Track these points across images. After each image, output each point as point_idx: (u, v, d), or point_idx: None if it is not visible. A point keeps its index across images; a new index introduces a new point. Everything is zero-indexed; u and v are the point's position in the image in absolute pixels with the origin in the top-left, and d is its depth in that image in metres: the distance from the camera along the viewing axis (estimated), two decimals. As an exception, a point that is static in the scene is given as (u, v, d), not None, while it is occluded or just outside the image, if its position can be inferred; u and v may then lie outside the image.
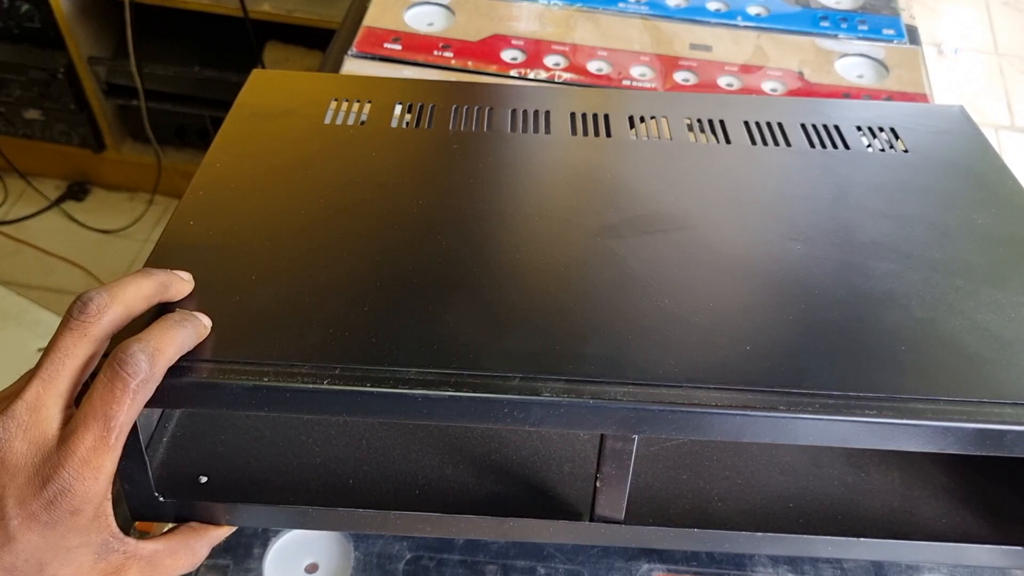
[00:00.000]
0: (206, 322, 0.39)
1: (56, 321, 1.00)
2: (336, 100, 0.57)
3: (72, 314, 0.36)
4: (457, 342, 0.39)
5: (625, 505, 0.41)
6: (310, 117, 0.55)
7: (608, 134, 0.55)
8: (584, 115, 0.57)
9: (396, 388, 0.37)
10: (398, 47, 0.80)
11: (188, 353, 0.38)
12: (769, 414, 0.37)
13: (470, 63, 0.79)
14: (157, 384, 0.36)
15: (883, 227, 0.48)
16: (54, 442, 0.34)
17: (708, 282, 0.43)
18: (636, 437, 0.38)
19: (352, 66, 0.78)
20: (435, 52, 0.79)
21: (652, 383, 0.37)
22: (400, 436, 0.46)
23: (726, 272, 0.44)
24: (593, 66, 0.80)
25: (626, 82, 0.78)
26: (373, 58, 0.79)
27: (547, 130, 0.55)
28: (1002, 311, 0.42)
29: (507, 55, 0.80)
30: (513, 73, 0.78)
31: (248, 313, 0.40)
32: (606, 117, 0.57)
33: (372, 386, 0.37)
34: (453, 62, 0.79)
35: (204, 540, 0.42)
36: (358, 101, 0.57)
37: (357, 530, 0.45)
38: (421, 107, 0.57)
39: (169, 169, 1.80)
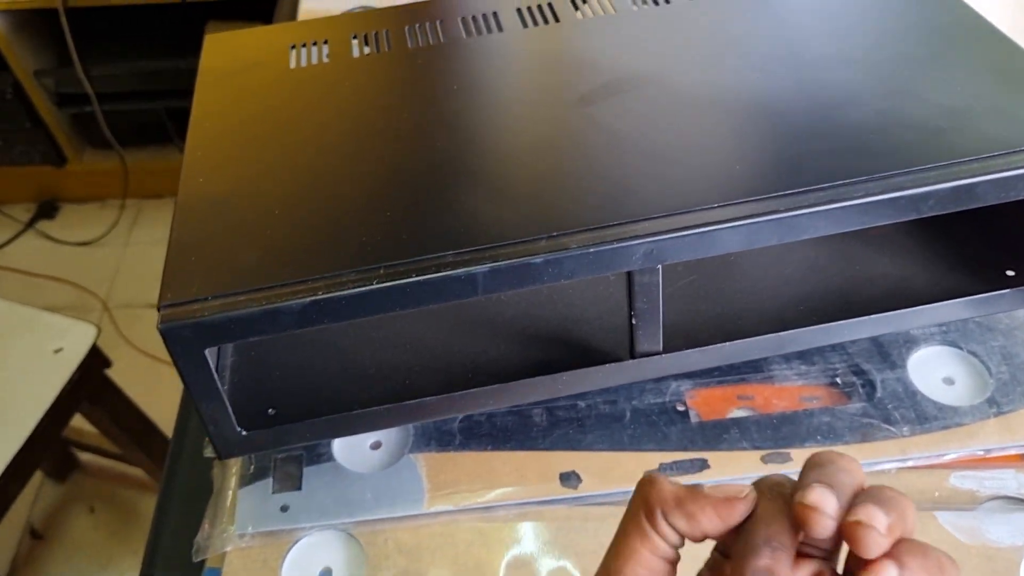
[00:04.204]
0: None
1: (65, 323, 1.00)
2: (294, 46, 0.59)
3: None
4: (479, 221, 0.42)
5: (662, 336, 0.46)
6: (275, 65, 0.58)
7: (556, 19, 0.58)
8: (530, 7, 0.60)
9: (440, 272, 0.40)
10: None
11: (237, 287, 0.41)
12: (772, 216, 0.41)
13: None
14: None
15: (826, 43, 0.52)
16: None
17: (687, 122, 0.47)
18: (660, 267, 0.42)
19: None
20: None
21: (664, 215, 0.41)
22: (437, 329, 0.50)
23: (700, 110, 0.48)
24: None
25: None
26: None
27: (499, 28, 0.58)
28: (947, 87, 0.47)
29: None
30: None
31: (283, 241, 0.43)
32: (550, 5, 0.60)
33: (417, 275, 0.40)
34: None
35: None
36: (315, 44, 0.59)
37: (428, 419, 0.49)
38: (376, 35, 0.59)
39: (135, 171, 1.77)
